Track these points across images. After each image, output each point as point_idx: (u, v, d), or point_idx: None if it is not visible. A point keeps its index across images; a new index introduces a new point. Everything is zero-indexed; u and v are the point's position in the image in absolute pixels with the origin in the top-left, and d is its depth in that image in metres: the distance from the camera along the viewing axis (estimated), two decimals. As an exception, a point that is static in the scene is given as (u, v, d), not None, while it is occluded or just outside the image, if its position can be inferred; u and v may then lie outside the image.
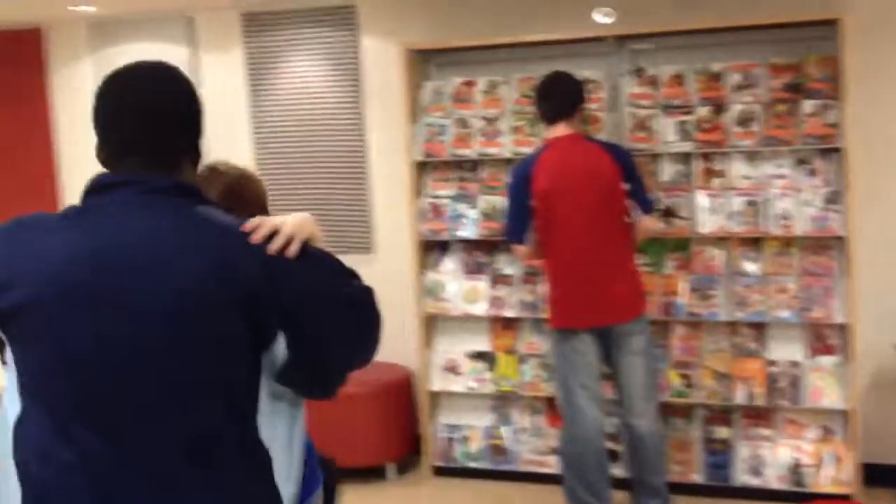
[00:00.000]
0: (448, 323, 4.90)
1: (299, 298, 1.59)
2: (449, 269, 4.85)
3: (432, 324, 4.90)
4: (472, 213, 4.75)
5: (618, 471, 4.29)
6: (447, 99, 4.81)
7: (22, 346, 1.59)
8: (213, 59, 5.47)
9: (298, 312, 1.58)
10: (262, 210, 2.12)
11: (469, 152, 4.73)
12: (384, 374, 5.02)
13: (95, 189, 1.65)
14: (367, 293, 1.73)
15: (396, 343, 5.15)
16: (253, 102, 5.41)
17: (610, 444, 4.20)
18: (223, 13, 5.37)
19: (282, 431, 1.61)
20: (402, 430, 4.98)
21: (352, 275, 1.73)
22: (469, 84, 4.78)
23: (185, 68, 5.62)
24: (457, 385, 4.81)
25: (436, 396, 4.88)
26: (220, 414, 1.56)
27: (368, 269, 5.37)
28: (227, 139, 5.51)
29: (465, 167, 4.82)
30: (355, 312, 1.70)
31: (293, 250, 1.61)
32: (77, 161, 5.78)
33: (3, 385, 1.67)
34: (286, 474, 1.62)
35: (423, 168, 4.86)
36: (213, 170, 2.24)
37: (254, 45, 5.37)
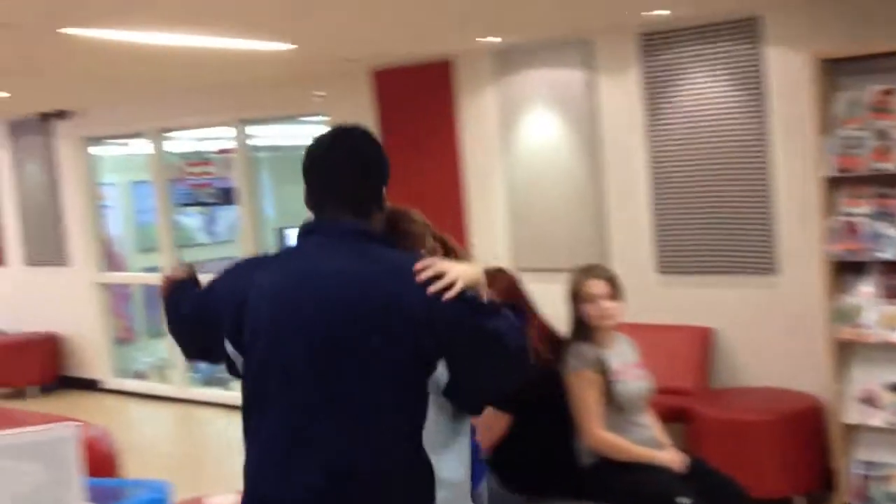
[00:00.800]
0: (864, 351, 4.52)
1: (452, 332, 1.90)
2: (866, 293, 4.48)
3: (846, 351, 4.55)
4: (894, 232, 4.35)
5: None
6: (864, 109, 4.45)
7: (246, 351, 2.01)
8: (610, 81, 5.53)
9: (451, 344, 1.90)
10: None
11: (891, 166, 4.35)
12: (791, 401, 4.75)
13: (301, 233, 2.07)
14: (514, 331, 2.00)
15: (803, 370, 4.87)
16: (649, 121, 5.39)
17: None
18: (621, 34, 5.41)
19: (446, 435, 1.95)
20: (812, 463, 4.67)
21: (503, 313, 2.02)
22: (889, 92, 4.40)
23: (582, 91, 5.77)
24: (875, 419, 4.42)
25: (851, 429, 4.52)
26: (389, 427, 1.90)
27: (770, 291, 5.19)
28: (622, 159, 5.54)
29: (886, 182, 4.43)
30: (498, 348, 1.95)
31: (452, 294, 1.91)
32: (479, 184, 6.13)
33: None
34: (451, 466, 1.95)
35: (835, 184, 4.54)
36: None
37: (651, 64, 5.35)
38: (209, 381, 8.39)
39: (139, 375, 8.86)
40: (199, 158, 7.91)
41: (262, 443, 1.97)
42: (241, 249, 8.45)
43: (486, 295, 2.02)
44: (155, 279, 8.41)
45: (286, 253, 2.15)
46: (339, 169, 2.04)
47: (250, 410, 2.00)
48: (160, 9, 3.98)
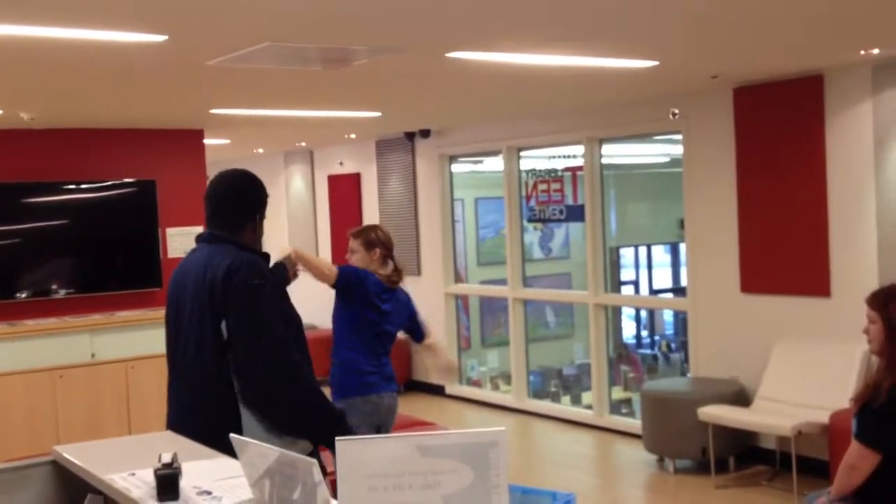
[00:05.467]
0: None
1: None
2: None
3: None
4: None
5: None
6: None
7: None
8: None
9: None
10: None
11: None
12: None
13: (196, 239, 3.08)
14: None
15: None
16: None
17: None
18: None
19: None
20: None
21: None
22: None
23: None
24: None
25: None
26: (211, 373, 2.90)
27: None
28: None
29: None
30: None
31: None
32: (845, 207, 5.73)
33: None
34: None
35: None
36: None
37: None
38: (539, 394, 8.55)
39: (473, 383, 9.22)
40: (548, 176, 8.08)
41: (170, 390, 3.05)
42: (577, 267, 8.54)
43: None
44: (499, 292, 8.73)
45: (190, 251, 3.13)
46: (216, 197, 3.03)
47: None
48: (541, 32, 4.11)
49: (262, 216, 3.09)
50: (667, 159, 8.14)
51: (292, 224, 11.02)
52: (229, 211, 3.03)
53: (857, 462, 3.27)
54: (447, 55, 4.48)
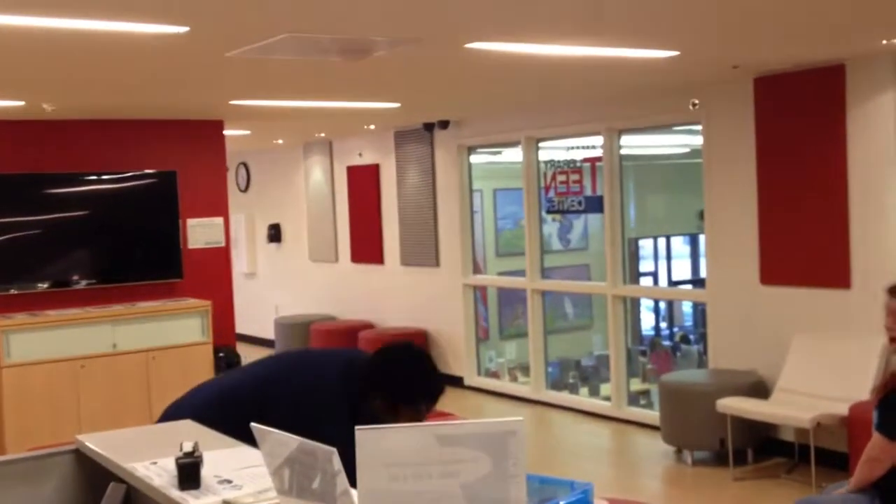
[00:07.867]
0: None
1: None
2: None
3: None
4: None
5: None
6: None
7: None
8: None
9: None
10: None
11: None
12: None
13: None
14: None
15: None
16: None
17: None
18: None
19: None
20: None
21: None
22: None
23: None
24: None
25: None
26: None
27: None
28: None
29: None
30: None
31: None
32: (866, 197, 5.69)
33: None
34: None
35: None
36: None
37: None
38: (557, 386, 8.54)
39: (491, 374, 9.22)
40: (567, 167, 8.06)
41: None
42: (596, 258, 8.51)
43: None
44: (517, 283, 8.72)
45: None
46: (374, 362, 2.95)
47: None
48: (560, 22, 4.10)
49: (388, 400, 2.83)
50: (686, 150, 8.10)
51: (311, 215, 11.04)
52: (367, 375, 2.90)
53: (878, 454, 3.26)
54: (466, 46, 4.48)
